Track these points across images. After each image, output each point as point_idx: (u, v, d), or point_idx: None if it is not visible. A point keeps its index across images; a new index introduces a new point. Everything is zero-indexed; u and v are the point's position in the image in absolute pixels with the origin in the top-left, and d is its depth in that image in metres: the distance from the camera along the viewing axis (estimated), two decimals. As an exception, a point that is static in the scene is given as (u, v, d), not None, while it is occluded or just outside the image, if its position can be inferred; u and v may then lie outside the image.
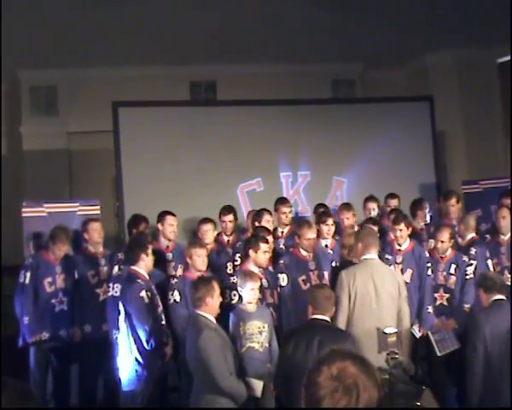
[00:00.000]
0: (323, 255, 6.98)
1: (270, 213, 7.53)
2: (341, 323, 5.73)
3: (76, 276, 7.13)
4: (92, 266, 7.21)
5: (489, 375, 5.21)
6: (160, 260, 6.98)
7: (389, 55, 11.21)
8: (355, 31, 10.02)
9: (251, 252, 6.43)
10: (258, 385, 5.69)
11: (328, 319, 5.01)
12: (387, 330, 5.65)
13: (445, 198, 8.20)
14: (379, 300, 5.74)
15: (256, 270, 6.32)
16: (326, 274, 6.79)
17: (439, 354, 6.57)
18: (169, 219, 7.28)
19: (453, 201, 8.04)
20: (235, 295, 6.20)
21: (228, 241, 7.56)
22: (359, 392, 2.20)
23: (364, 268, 5.88)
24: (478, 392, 5.22)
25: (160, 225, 7.30)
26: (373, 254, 5.96)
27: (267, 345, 5.83)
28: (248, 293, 5.85)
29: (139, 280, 5.91)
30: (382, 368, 5.04)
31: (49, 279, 6.88)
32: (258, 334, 5.79)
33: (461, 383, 6.76)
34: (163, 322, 5.99)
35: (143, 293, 5.82)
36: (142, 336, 5.76)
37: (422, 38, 10.44)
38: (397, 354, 5.38)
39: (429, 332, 6.77)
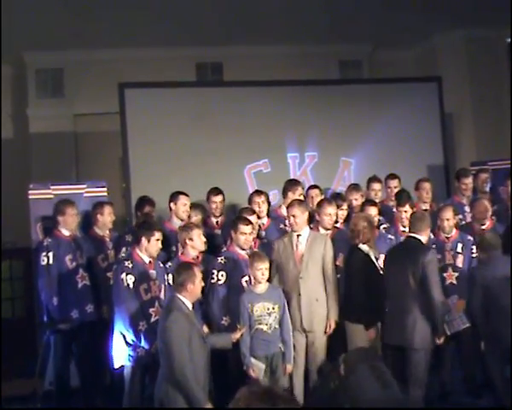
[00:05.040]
0: (341, 237, 6.87)
1: (260, 194, 7.42)
2: None
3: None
4: (102, 249, 7.23)
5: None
6: (173, 240, 6.98)
7: (397, 35, 11.13)
8: (363, 11, 9.95)
9: (232, 233, 6.45)
10: (259, 367, 5.79)
11: (420, 237, 6.02)
12: None
13: (463, 176, 8.09)
14: None
15: (242, 252, 6.36)
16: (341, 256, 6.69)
17: (448, 333, 6.58)
18: (182, 199, 7.26)
19: (470, 179, 8.00)
20: (222, 275, 6.21)
21: (217, 222, 7.53)
22: None
23: None
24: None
25: (173, 205, 7.28)
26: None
27: (277, 326, 5.87)
28: (255, 274, 5.88)
29: (127, 262, 5.97)
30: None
31: (70, 256, 6.86)
32: (267, 315, 5.84)
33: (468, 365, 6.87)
34: (152, 309, 5.95)
35: (123, 275, 5.87)
36: (118, 317, 5.88)
37: (431, 18, 10.35)
38: None
39: None
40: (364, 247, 6.29)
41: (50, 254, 6.76)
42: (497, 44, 11.39)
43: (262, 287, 5.91)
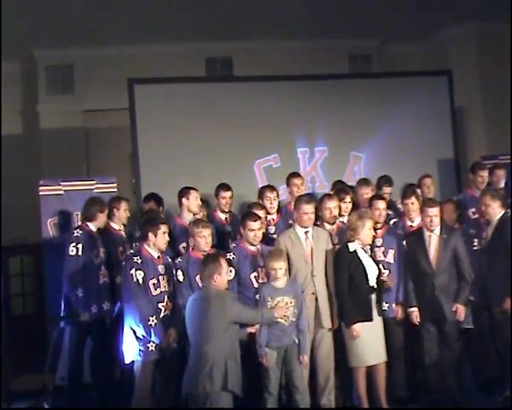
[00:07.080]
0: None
1: (273, 190, 7.42)
2: None
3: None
4: (120, 242, 7.26)
5: None
6: (184, 235, 6.95)
7: (406, 29, 11.08)
8: (372, 5, 9.92)
9: (241, 229, 6.46)
10: (270, 355, 5.87)
11: None
12: None
13: (480, 169, 7.96)
14: None
15: (252, 247, 6.39)
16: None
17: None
18: (194, 194, 7.26)
19: (486, 172, 7.85)
20: (231, 271, 6.15)
21: (226, 218, 7.51)
22: None
23: None
24: None
25: (185, 200, 7.26)
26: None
27: (293, 319, 5.94)
28: (269, 273, 6.00)
29: (136, 258, 6.00)
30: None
31: (95, 252, 6.87)
32: (286, 309, 5.90)
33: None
34: (162, 303, 6.00)
35: (133, 271, 5.91)
36: (128, 313, 5.93)
37: (440, 12, 10.30)
38: None
39: None
40: (353, 244, 6.26)
41: (80, 246, 6.74)
42: (507, 38, 11.29)
43: (281, 281, 5.98)
